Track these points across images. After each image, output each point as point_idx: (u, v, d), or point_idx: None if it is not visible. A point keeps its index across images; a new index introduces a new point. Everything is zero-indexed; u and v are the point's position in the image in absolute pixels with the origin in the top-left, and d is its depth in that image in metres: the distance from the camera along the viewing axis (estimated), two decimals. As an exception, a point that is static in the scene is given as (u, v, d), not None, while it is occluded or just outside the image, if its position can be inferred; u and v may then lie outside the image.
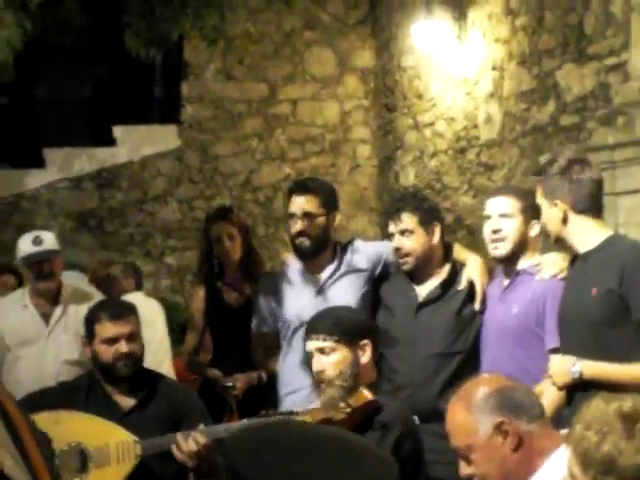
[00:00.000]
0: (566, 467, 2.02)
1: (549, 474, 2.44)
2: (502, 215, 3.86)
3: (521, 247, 3.86)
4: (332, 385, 3.27)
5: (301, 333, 4.12)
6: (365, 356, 3.36)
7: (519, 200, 3.87)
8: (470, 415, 2.49)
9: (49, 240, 4.74)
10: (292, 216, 4.19)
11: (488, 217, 3.92)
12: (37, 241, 4.68)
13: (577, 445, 1.97)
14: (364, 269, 4.25)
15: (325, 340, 3.33)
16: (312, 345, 3.38)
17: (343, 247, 4.28)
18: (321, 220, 4.21)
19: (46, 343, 4.74)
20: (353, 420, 3.11)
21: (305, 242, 4.19)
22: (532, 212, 3.87)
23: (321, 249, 4.23)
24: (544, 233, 3.69)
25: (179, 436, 3.60)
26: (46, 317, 4.78)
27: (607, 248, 3.44)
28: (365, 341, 3.38)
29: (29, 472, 1.75)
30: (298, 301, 4.21)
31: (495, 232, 3.85)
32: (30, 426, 1.82)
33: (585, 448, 1.95)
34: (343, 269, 4.24)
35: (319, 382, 3.33)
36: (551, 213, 3.51)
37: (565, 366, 3.41)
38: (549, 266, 3.79)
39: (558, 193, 3.48)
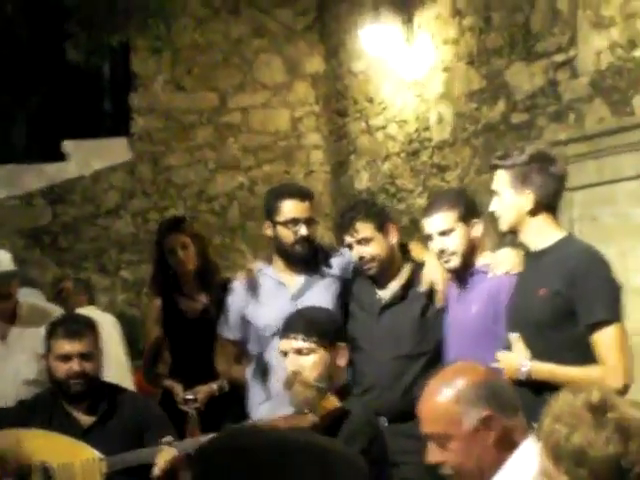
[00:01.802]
0: (538, 462, 2.01)
1: (515, 468, 2.43)
2: (442, 233, 3.83)
3: (471, 251, 3.86)
4: (307, 386, 3.22)
5: (275, 340, 4.11)
6: (341, 359, 3.34)
7: (453, 210, 3.84)
8: (455, 405, 2.43)
9: (5, 261, 4.63)
10: (294, 221, 4.15)
11: (429, 237, 3.90)
12: None
13: (547, 439, 1.96)
14: (336, 275, 4.26)
15: (304, 340, 3.28)
16: (288, 344, 3.32)
17: (314, 253, 4.27)
18: (316, 226, 4.32)
19: (4, 363, 4.62)
20: (320, 428, 3.08)
21: (305, 247, 4.19)
22: (469, 213, 3.87)
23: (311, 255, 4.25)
24: (494, 222, 3.66)
25: (149, 454, 3.57)
26: (3, 337, 4.66)
27: (560, 249, 3.43)
28: (342, 344, 3.36)
29: None
30: (273, 307, 4.17)
31: (442, 252, 3.85)
32: None
33: (555, 441, 1.94)
34: (316, 276, 4.24)
35: (291, 383, 3.27)
36: (517, 202, 3.45)
37: (515, 364, 3.40)
38: (501, 263, 3.78)
39: (531, 183, 3.43)
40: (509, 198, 3.48)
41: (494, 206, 3.55)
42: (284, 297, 4.19)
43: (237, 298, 4.32)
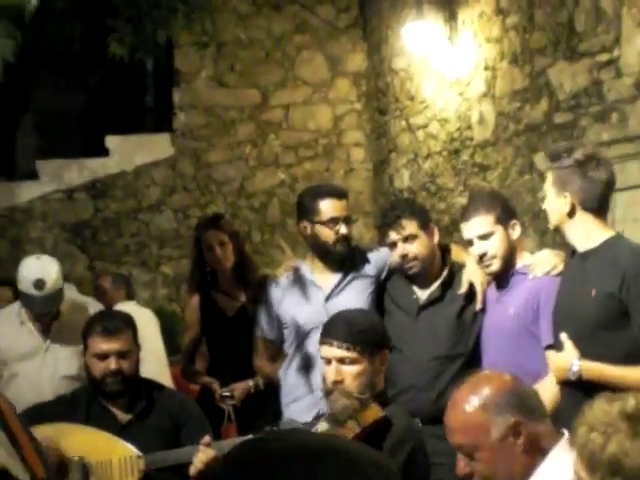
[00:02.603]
0: (572, 472, 1.99)
1: (547, 475, 2.41)
2: (481, 237, 3.81)
3: (511, 253, 3.84)
4: (348, 396, 3.11)
5: (310, 340, 4.10)
6: (382, 366, 3.24)
7: (490, 212, 3.82)
8: (482, 414, 2.41)
9: (51, 282, 4.47)
10: (334, 220, 4.16)
11: (469, 242, 3.88)
12: (39, 285, 4.44)
13: (582, 448, 1.94)
14: (371, 275, 4.25)
15: (348, 350, 3.15)
16: (331, 352, 3.19)
17: (351, 253, 4.27)
18: (353, 224, 4.35)
19: (44, 359, 4.63)
20: (362, 438, 2.97)
21: (344, 246, 4.20)
22: (507, 213, 3.86)
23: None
24: (539, 234, 3.67)
25: (188, 453, 3.58)
26: (44, 332, 4.66)
27: (608, 249, 3.41)
28: (385, 351, 3.27)
29: (22, 462, 1.75)
30: (307, 307, 4.18)
31: (482, 256, 3.83)
32: (21, 423, 1.83)
33: (590, 451, 1.92)
34: (351, 275, 4.23)
35: (332, 391, 3.16)
36: (558, 203, 3.47)
37: (565, 364, 3.39)
38: (541, 264, 3.76)
39: (569, 187, 3.44)
40: (551, 199, 3.51)
41: (544, 205, 3.60)
42: (318, 298, 4.19)
43: (272, 297, 4.32)
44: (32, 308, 4.58)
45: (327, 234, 4.18)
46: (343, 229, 4.16)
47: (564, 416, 3.45)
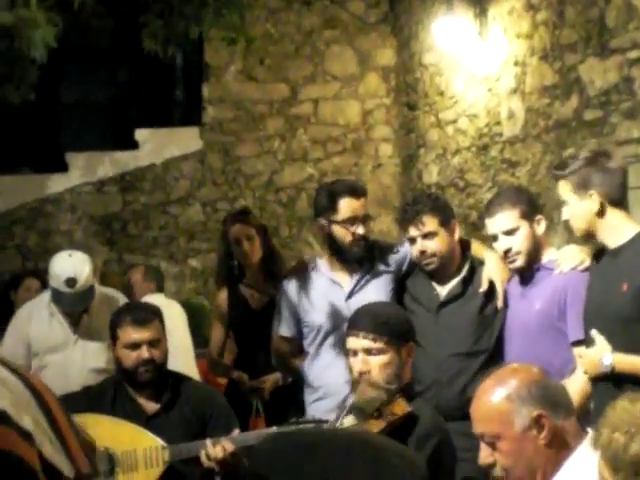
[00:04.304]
0: (597, 472, 1.99)
1: (571, 473, 2.40)
2: (506, 232, 3.79)
3: (536, 249, 3.82)
4: (376, 387, 3.12)
5: (331, 339, 4.10)
6: (409, 358, 3.25)
7: (516, 207, 3.80)
8: (507, 403, 2.40)
9: (82, 280, 4.50)
10: (352, 220, 4.09)
11: (494, 237, 3.86)
12: (70, 283, 4.47)
13: (605, 448, 1.94)
14: (391, 271, 4.22)
15: (375, 341, 3.17)
16: (357, 343, 3.20)
17: (370, 250, 4.22)
18: (371, 222, 4.25)
19: (73, 350, 4.66)
20: (388, 432, 2.98)
21: (361, 246, 4.14)
22: (532, 209, 3.83)
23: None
24: (568, 230, 3.65)
25: (208, 443, 3.59)
26: (74, 324, 4.68)
27: (638, 243, 3.39)
28: (411, 343, 3.28)
29: (66, 455, 1.76)
30: (328, 306, 4.15)
31: (507, 252, 3.81)
32: (65, 412, 1.84)
33: (614, 451, 1.91)
34: (371, 273, 4.20)
35: (358, 382, 3.17)
36: (584, 206, 3.43)
37: (597, 358, 3.37)
38: (568, 259, 3.75)
39: (592, 184, 3.41)
40: (575, 205, 3.46)
41: (565, 215, 3.53)
42: (338, 296, 4.16)
43: (290, 295, 4.28)
44: (62, 305, 4.61)
45: (344, 234, 4.12)
46: (360, 230, 4.10)
47: (597, 413, 3.45)
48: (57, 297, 4.59)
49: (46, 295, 4.81)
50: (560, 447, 2.40)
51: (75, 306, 4.60)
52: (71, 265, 4.53)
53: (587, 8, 6.07)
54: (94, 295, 4.66)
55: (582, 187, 3.43)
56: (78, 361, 4.63)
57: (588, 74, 6.10)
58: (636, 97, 5.62)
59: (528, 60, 6.82)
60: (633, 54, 5.62)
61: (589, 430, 2.48)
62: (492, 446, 2.43)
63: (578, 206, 3.45)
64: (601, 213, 3.42)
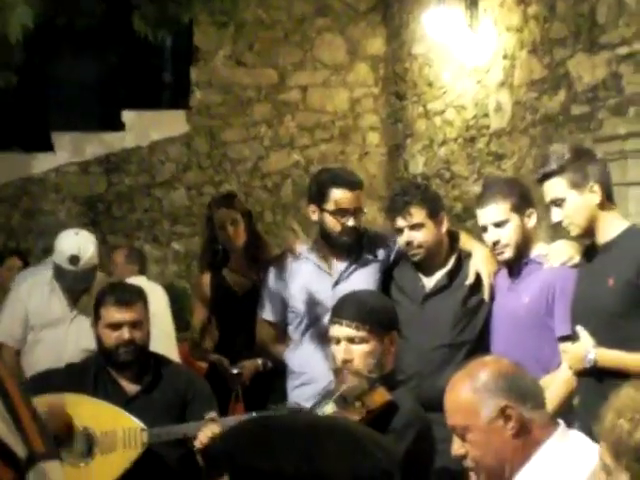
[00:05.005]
0: (597, 458, 1.99)
1: (540, 465, 2.42)
2: (496, 224, 3.79)
3: (525, 242, 3.82)
4: (357, 376, 3.12)
5: (317, 326, 4.10)
6: (392, 347, 3.25)
7: (507, 199, 3.78)
8: (474, 395, 2.44)
9: (86, 259, 4.52)
10: (343, 212, 4.07)
11: (484, 229, 3.86)
12: (74, 261, 4.49)
13: (609, 434, 1.94)
14: (379, 259, 4.22)
15: (358, 329, 3.16)
16: (340, 331, 3.20)
17: (358, 238, 4.22)
18: (363, 214, 4.22)
19: (68, 328, 4.68)
20: (368, 421, 2.97)
21: (350, 237, 4.14)
22: (523, 202, 3.82)
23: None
24: (554, 226, 3.63)
25: (193, 428, 3.60)
26: (73, 303, 4.70)
27: (627, 239, 3.39)
28: (394, 332, 3.28)
29: (20, 435, 1.76)
30: (314, 293, 4.15)
31: (495, 244, 3.81)
32: (21, 392, 1.85)
33: (617, 437, 1.91)
34: (359, 261, 4.20)
35: (341, 370, 3.17)
36: (585, 200, 3.40)
37: (581, 353, 3.39)
38: (557, 254, 3.75)
39: (591, 176, 3.39)
40: (575, 200, 3.42)
41: (557, 216, 3.48)
42: (325, 284, 4.16)
43: (276, 280, 4.28)
44: (64, 282, 4.62)
45: (333, 224, 4.13)
46: (350, 222, 4.09)
47: (581, 407, 3.48)
48: (59, 274, 4.60)
49: (49, 270, 4.80)
50: (528, 438, 2.43)
51: (76, 284, 4.62)
52: (76, 243, 4.55)
53: (578, 3, 6.08)
54: (96, 275, 4.66)
55: (581, 180, 3.40)
56: (72, 339, 4.64)
57: (576, 69, 6.12)
58: (623, 93, 5.64)
59: (517, 53, 6.83)
60: (622, 50, 5.63)
61: (560, 421, 2.51)
62: (462, 438, 2.47)
63: (578, 201, 3.41)
64: (602, 206, 3.41)
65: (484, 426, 2.42)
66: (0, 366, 1.84)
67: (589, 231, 3.46)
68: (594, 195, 3.40)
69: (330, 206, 4.10)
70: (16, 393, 1.79)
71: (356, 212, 4.12)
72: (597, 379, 3.35)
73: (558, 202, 3.46)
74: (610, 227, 3.43)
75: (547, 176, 3.48)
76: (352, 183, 4.17)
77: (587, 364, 3.36)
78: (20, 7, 5.02)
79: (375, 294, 3.64)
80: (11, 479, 1.73)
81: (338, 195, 4.10)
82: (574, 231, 3.49)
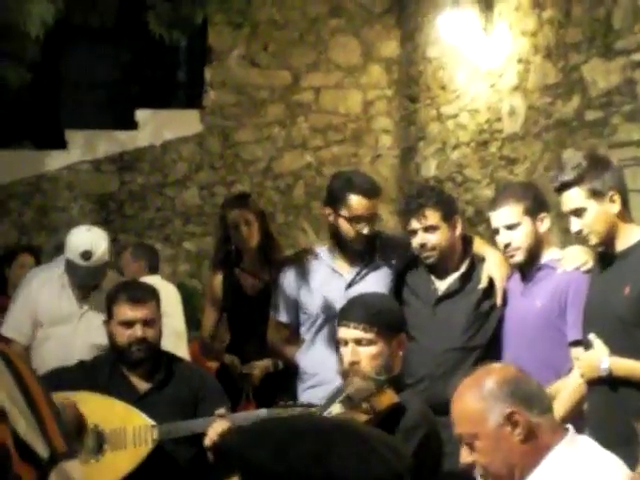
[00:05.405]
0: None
1: (549, 470, 2.42)
2: (508, 227, 3.79)
3: (537, 246, 3.81)
4: (365, 378, 3.13)
5: (328, 328, 4.10)
6: (400, 350, 3.26)
7: (520, 203, 3.78)
8: (480, 402, 2.45)
9: (98, 254, 4.52)
10: (358, 219, 4.06)
11: (496, 231, 3.86)
12: (86, 256, 4.49)
13: None
14: (392, 262, 4.22)
15: (365, 331, 3.17)
16: (348, 333, 3.21)
17: (372, 243, 4.21)
18: (378, 221, 4.25)
19: (77, 325, 4.67)
20: (375, 422, 3.00)
21: (363, 244, 4.14)
22: (537, 206, 3.81)
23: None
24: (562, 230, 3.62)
25: (202, 425, 3.61)
26: (82, 299, 4.70)
27: None
28: (402, 335, 3.29)
29: (42, 435, 1.77)
30: (327, 295, 4.16)
31: (506, 246, 3.81)
32: (44, 391, 1.85)
33: None
34: (373, 264, 4.20)
35: (348, 372, 3.19)
36: (604, 209, 3.38)
37: (595, 361, 3.37)
38: (571, 259, 3.74)
39: (610, 184, 3.37)
40: (595, 209, 3.40)
41: (576, 226, 3.46)
42: (338, 286, 4.15)
43: (290, 281, 4.28)
44: (75, 277, 4.63)
45: (347, 230, 4.11)
46: (365, 230, 4.08)
47: (591, 415, 3.46)
48: (71, 269, 4.61)
49: (60, 266, 4.80)
50: (537, 443, 2.44)
51: (87, 280, 4.62)
52: (88, 238, 4.56)
53: (593, 8, 6.07)
54: (106, 272, 4.68)
55: (600, 189, 3.38)
56: (81, 336, 4.63)
57: (591, 74, 6.11)
58: (638, 100, 5.63)
59: (532, 58, 6.82)
60: (637, 56, 5.62)
61: (569, 427, 2.51)
62: (470, 446, 2.48)
63: (598, 210, 3.40)
64: (621, 215, 3.39)
65: (492, 433, 2.43)
66: (23, 366, 1.84)
67: (608, 240, 3.44)
68: (614, 204, 3.38)
69: (346, 212, 4.08)
70: (39, 393, 1.80)
71: (371, 219, 4.11)
72: (609, 387, 3.33)
73: (578, 212, 3.44)
74: (628, 235, 3.41)
75: (566, 186, 3.46)
76: (369, 191, 4.13)
77: (601, 373, 3.34)
78: (42, 3, 5.05)
79: (383, 296, 3.65)
80: (34, 479, 1.74)
81: (354, 202, 4.08)
82: (593, 240, 3.47)
